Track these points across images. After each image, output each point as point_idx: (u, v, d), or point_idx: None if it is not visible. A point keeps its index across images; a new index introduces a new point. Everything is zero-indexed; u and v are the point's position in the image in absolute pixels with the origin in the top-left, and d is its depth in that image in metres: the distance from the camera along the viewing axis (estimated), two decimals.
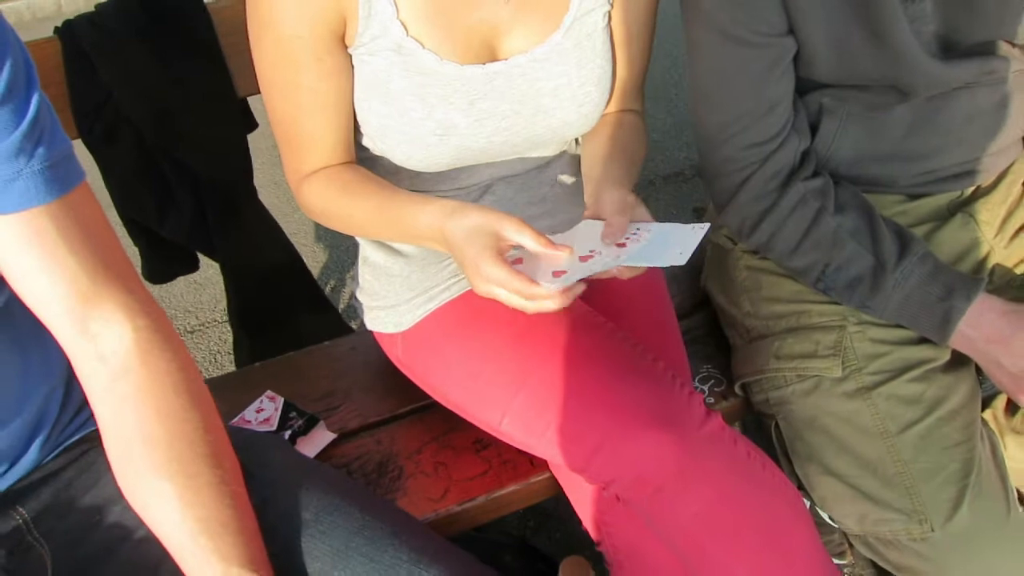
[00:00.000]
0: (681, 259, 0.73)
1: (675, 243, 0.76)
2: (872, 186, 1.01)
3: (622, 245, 0.77)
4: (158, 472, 0.68)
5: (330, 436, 1.12)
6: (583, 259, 0.78)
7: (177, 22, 1.20)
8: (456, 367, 0.96)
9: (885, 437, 0.91)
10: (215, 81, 1.24)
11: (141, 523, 0.74)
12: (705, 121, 0.97)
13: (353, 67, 0.90)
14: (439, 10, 0.87)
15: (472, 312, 0.96)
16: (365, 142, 0.97)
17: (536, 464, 1.04)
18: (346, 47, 0.88)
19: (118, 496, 0.78)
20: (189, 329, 2.24)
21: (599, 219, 0.83)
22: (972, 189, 1.05)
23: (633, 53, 1.01)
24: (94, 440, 0.83)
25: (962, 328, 0.88)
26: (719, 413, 0.86)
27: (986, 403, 1.04)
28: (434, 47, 0.87)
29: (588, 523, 0.95)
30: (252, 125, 1.38)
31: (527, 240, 0.77)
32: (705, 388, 1.13)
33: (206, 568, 0.67)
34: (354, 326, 2.09)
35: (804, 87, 0.95)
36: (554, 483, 1.03)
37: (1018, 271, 1.05)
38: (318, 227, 2.59)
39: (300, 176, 0.95)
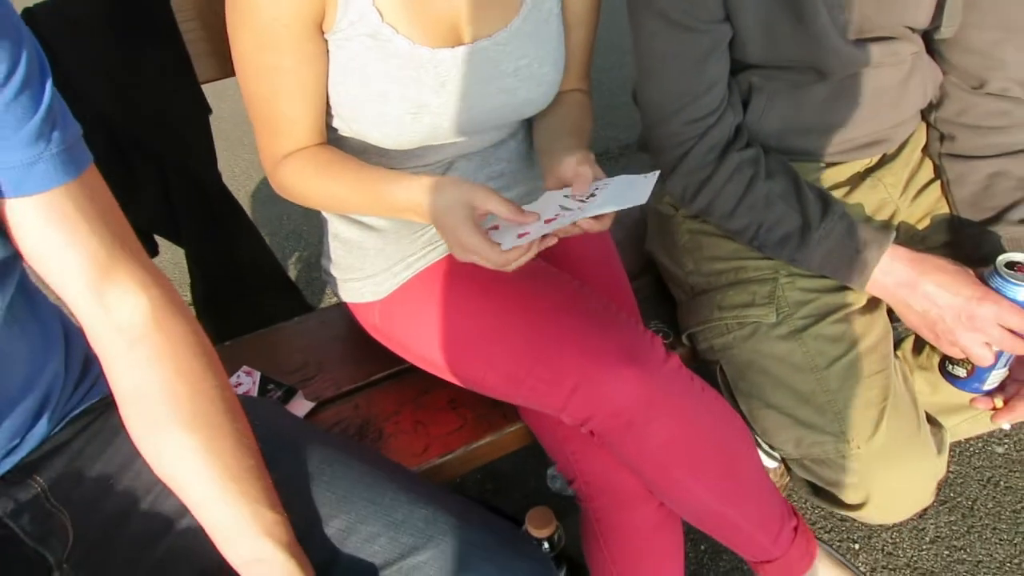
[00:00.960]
0: (642, 199, 0.84)
1: (633, 188, 0.86)
2: (795, 155, 1.13)
3: (585, 202, 0.87)
4: (185, 426, 0.74)
5: (309, 405, 1.19)
6: (548, 221, 0.88)
7: (137, 8, 1.22)
8: (437, 327, 1.04)
9: (815, 371, 1.04)
10: (176, 66, 1.26)
11: (152, 485, 0.80)
12: (650, 100, 1.07)
13: (329, 52, 0.96)
14: None
15: (449, 276, 1.05)
16: (335, 123, 1.03)
17: (508, 417, 1.13)
18: (323, 33, 0.94)
19: (128, 463, 0.83)
20: None
21: (563, 186, 0.92)
22: (879, 156, 1.19)
23: (581, 36, 1.10)
24: (96, 411, 0.88)
25: (876, 275, 1.01)
26: (676, 354, 0.98)
27: (897, 345, 1.19)
28: (407, 32, 0.94)
29: (562, 462, 1.05)
30: (208, 111, 1.41)
31: (494, 206, 0.87)
32: None
33: (234, 509, 0.72)
34: (319, 304, 2.13)
35: (736, 67, 1.06)
36: (526, 432, 1.12)
37: (920, 226, 1.20)
38: (276, 211, 2.60)
39: (277, 158, 1.01)
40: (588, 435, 0.97)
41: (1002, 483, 1.59)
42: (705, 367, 1.19)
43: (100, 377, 0.86)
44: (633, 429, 0.92)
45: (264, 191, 2.75)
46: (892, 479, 1.01)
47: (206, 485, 0.74)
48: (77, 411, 0.88)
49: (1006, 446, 1.66)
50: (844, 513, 1.10)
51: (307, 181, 1.00)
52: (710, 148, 1.05)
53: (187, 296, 2.20)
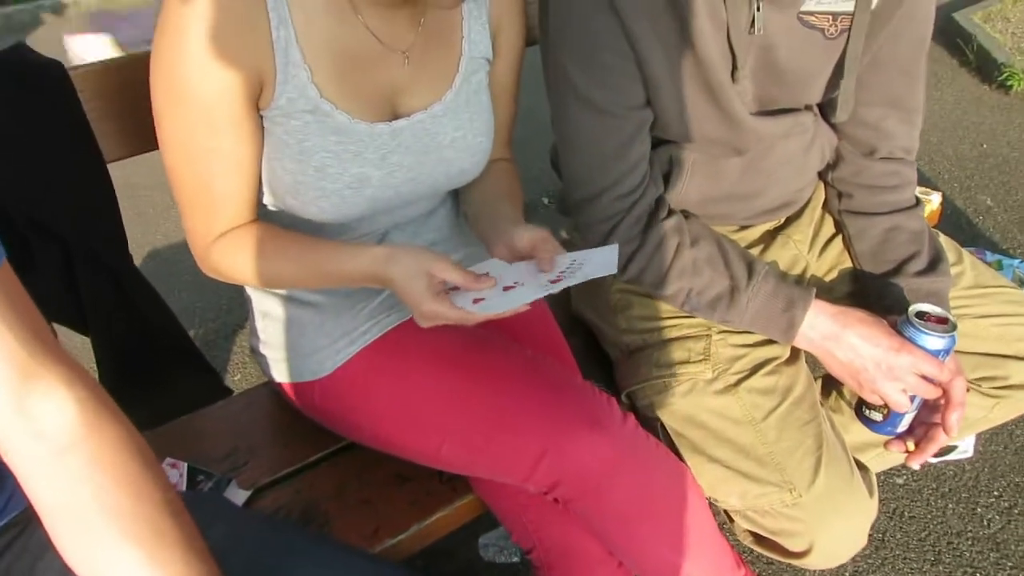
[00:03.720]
0: (612, 269, 0.89)
1: (601, 259, 0.91)
2: (713, 220, 1.20)
3: (557, 280, 0.89)
4: (125, 539, 0.67)
5: (245, 494, 1.13)
6: (506, 289, 0.89)
7: (39, 86, 1.16)
8: (387, 402, 1.02)
9: (753, 424, 1.09)
10: (81, 146, 1.20)
11: None
12: (576, 177, 1.11)
13: (264, 128, 0.94)
14: (347, 73, 0.94)
15: (397, 349, 1.03)
16: (265, 199, 1.01)
17: (457, 489, 1.11)
18: (259, 110, 0.93)
19: None
20: None
21: (518, 254, 0.94)
22: (786, 217, 1.28)
23: (506, 106, 1.14)
24: (17, 525, 0.80)
25: (803, 330, 1.08)
26: (631, 414, 1.00)
27: None
28: (346, 107, 0.94)
29: (518, 532, 1.04)
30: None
31: (451, 276, 0.88)
32: None
33: None
34: (241, 385, 2.03)
35: (656, 143, 1.12)
36: (478, 504, 1.11)
37: (827, 278, 1.30)
38: (187, 289, 2.48)
39: (210, 240, 0.98)
40: (551, 502, 0.98)
41: (906, 513, 1.69)
42: (646, 423, 1.22)
43: (17, 489, 0.78)
44: (598, 488, 0.93)
45: (178, 264, 2.63)
46: (834, 525, 1.06)
47: None
48: None
49: (904, 477, 1.78)
50: (788, 561, 1.14)
51: (245, 262, 0.97)
52: (635, 221, 1.10)
53: None
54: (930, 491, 1.73)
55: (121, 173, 1.25)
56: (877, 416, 1.10)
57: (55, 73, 1.17)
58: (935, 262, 1.17)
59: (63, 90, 1.18)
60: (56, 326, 1.36)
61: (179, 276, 2.56)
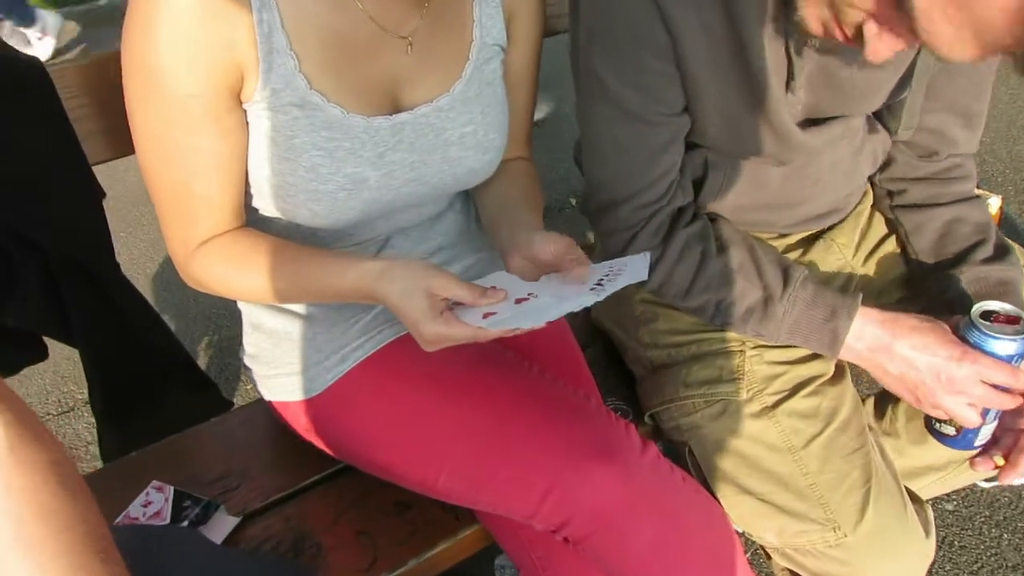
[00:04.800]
0: (643, 276, 0.80)
1: (631, 272, 0.81)
2: (750, 227, 1.08)
3: (593, 289, 0.80)
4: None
5: (233, 521, 1.04)
6: (519, 301, 0.79)
7: (14, 85, 1.09)
8: (381, 427, 0.92)
9: (792, 452, 0.97)
10: (61, 148, 1.13)
11: None
12: (600, 182, 1.01)
13: (249, 123, 0.86)
14: (341, 61, 0.85)
15: (391, 368, 0.94)
16: (255, 203, 0.92)
17: (461, 518, 1.01)
18: (241, 103, 0.84)
19: None
20: (55, 412, 2.01)
21: (540, 265, 0.84)
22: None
23: (523, 98, 1.04)
24: None
25: (849, 342, 0.96)
26: (652, 442, 0.89)
27: None
28: (339, 100, 0.85)
29: (527, 569, 0.93)
30: (101, 194, 1.27)
31: (454, 292, 0.77)
32: None
33: None
34: (237, 400, 1.96)
35: (690, 146, 1.01)
36: (484, 535, 1.01)
37: (876, 284, 1.17)
38: (183, 295, 2.42)
39: (190, 248, 0.89)
40: (561, 541, 0.87)
41: (956, 543, 1.56)
42: (670, 448, 1.11)
43: None
44: (614, 532, 0.82)
45: (168, 272, 2.57)
46: (885, 568, 0.94)
47: None
48: None
49: (955, 503, 1.64)
50: None
51: (228, 274, 0.88)
52: (656, 231, 1.00)
53: (84, 397, 2.00)
54: (983, 519, 1.59)
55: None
56: (949, 430, 0.97)
57: (33, 72, 1.10)
58: (1003, 251, 1.04)
59: (43, 89, 1.11)
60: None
61: None
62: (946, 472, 1.13)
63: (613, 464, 0.81)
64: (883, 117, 1.06)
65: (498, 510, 0.88)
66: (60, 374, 2.12)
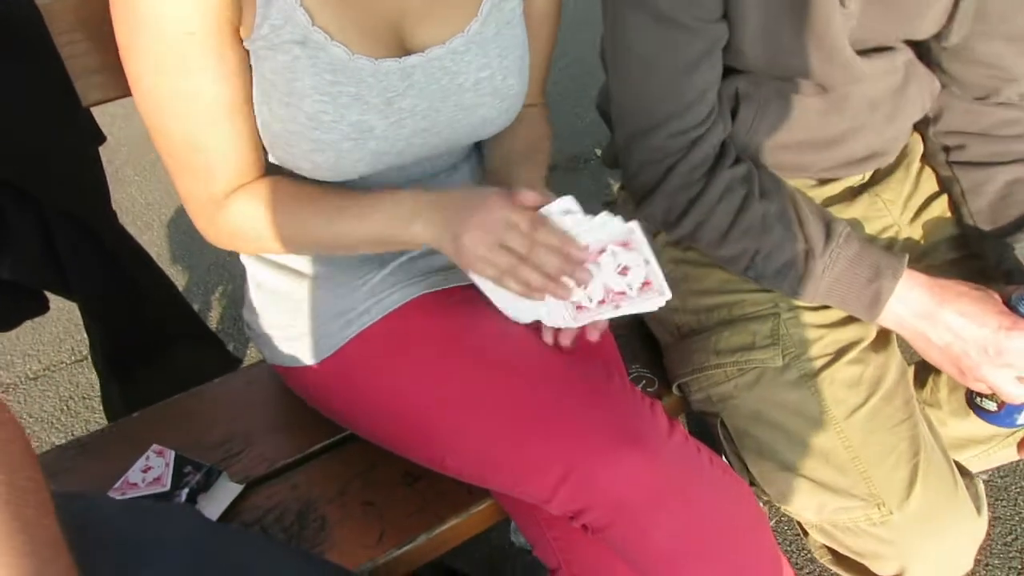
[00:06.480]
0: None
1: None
2: (785, 171, 1.00)
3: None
4: None
5: (236, 488, 0.99)
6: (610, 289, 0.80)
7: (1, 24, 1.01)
8: (386, 399, 0.85)
9: (834, 423, 0.90)
10: (53, 91, 1.06)
11: None
12: (628, 108, 0.92)
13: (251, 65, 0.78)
14: None
15: (399, 336, 0.87)
16: (269, 155, 0.85)
17: (474, 491, 0.95)
18: (241, 40, 0.76)
19: None
20: (32, 375, 1.97)
21: None
22: (873, 171, 1.07)
23: (544, 40, 0.95)
24: None
25: (891, 305, 0.88)
26: (679, 421, 0.82)
27: None
28: (344, 38, 0.77)
29: (541, 549, 0.87)
30: (100, 138, 1.20)
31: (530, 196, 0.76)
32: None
33: None
34: (246, 359, 1.91)
35: (723, 72, 0.92)
36: (497, 510, 0.95)
37: (923, 243, 1.08)
38: (180, 249, 2.36)
39: (214, 202, 0.82)
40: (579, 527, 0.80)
41: (990, 514, 1.48)
42: (698, 418, 1.04)
43: None
44: (637, 521, 0.75)
45: (185, 218, 2.51)
46: (933, 548, 0.87)
47: None
48: None
49: (989, 474, 1.57)
50: None
51: (263, 221, 0.82)
52: (698, 164, 0.91)
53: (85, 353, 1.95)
54: (1018, 489, 1.53)
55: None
56: (991, 405, 0.91)
57: (19, 6, 1.02)
58: None
59: (30, 27, 1.03)
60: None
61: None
62: (989, 446, 1.07)
63: (636, 449, 0.74)
64: (929, 54, 0.97)
65: (511, 492, 0.81)
66: (74, 322, 2.07)
